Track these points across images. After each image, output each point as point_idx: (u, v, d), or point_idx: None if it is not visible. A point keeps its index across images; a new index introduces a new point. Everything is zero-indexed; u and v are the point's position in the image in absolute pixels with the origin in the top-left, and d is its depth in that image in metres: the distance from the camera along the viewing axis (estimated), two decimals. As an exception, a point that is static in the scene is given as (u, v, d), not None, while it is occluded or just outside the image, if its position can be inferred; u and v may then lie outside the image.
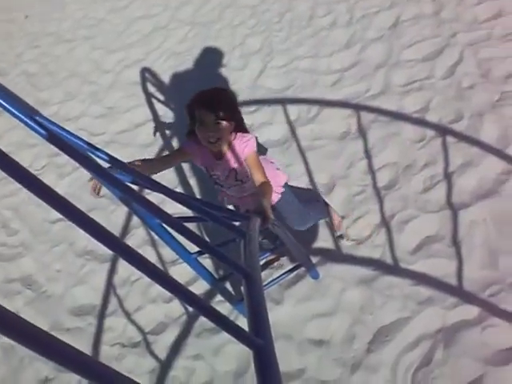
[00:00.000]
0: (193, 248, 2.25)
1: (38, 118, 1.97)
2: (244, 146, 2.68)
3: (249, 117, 4.44)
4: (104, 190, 2.20)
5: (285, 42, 5.03)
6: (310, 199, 3.54)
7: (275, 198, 3.04)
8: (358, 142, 3.94)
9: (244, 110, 4.54)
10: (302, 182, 3.86)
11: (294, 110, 4.36)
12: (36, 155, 5.23)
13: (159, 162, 2.75)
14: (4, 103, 1.84)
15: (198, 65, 5.30)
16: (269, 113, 4.46)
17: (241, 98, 4.68)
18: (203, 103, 2.50)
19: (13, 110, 1.87)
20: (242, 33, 5.39)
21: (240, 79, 4.88)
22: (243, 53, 5.16)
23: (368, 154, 3.84)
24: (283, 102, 4.44)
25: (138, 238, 4.09)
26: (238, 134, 2.68)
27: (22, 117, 1.89)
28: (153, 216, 2.30)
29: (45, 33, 7.12)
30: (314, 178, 3.85)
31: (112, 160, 2.19)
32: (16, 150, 5.32)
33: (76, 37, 6.69)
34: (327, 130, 4.11)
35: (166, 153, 4.40)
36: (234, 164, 2.76)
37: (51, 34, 7.03)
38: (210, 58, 5.28)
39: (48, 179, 4.79)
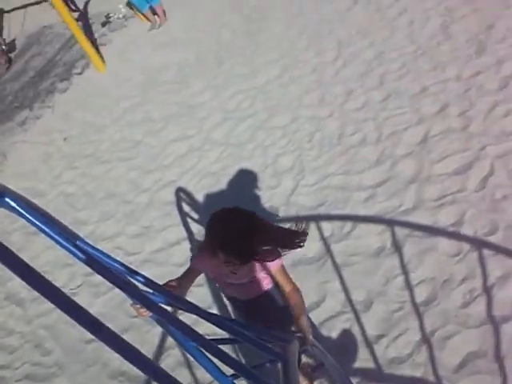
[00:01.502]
0: (229, 370, 2.31)
1: (79, 242, 2.13)
2: (270, 262, 2.62)
3: (283, 234, 4.58)
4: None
5: (316, 161, 5.26)
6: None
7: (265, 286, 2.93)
8: (394, 258, 4.02)
9: (278, 227, 4.68)
10: (338, 300, 3.91)
11: (327, 227, 4.49)
12: (72, 274, 5.40)
13: (187, 281, 2.73)
14: (46, 228, 2.01)
15: (232, 184, 5.54)
16: (303, 230, 4.56)
17: (274, 215, 4.86)
18: (228, 250, 2.41)
19: (54, 236, 2.04)
20: (274, 152, 5.66)
21: (273, 197, 5.08)
22: (276, 171, 5.40)
23: (404, 270, 3.90)
24: (316, 218, 4.59)
25: (173, 359, 4.12)
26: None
27: (64, 242, 2.05)
28: (187, 338, 2.38)
29: (83, 154, 7.53)
30: (350, 295, 3.90)
31: (148, 282, 2.32)
32: (52, 269, 5.51)
33: (113, 158, 7.06)
34: (362, 246, 4.21)
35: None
36: (252, 274, 2.74)
37: (89, 155, 7.43)
38: (244, 177, 5.53)
39: (83, 298, 4.93)
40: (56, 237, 2.02)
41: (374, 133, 5.25)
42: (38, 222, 1.98)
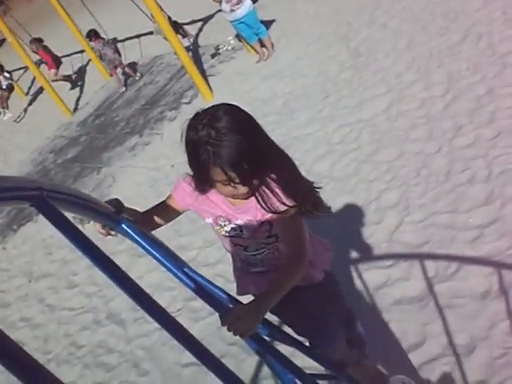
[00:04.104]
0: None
1: (186, 269, 2.32)
2: (283, 195, 2.13)
3: (385, 271, 4.59)
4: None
5: (422, 197, 5.23)
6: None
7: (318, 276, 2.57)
8: (500, 302, 3.93)
9: (380, 264, 4.70)
10: (439, 343, 3.87)
11: (431, 266, 4.44)
12: (173, 298, 5.64)
13: (159, 214, 2.52)
14: (156, 254, 2.22)
15: (334, 218, 5.57)
16: (406, 268, 4.57)
17: (377, 251, 4.89)
18: (216, 159, 1.92)
19: (164, 261, 2.24)
20: (379, 187, 5.69)
21: (376, 233, 5.09)
22: (379, 207, 5.41)
23: (511, 315, 3.81)
24: (421, 257, 4.56)
25: (267, 391, 4.21)
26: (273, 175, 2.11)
27: (172, 268, 2.25)
28: (286, 371, 2.49)
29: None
30: (452, 339, 3.85)
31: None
32: (154, 291, 5.74)
33: (216, 186, 7.30)
34: (467, 289, 4.14)
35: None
36: (266, 214, 2.20)
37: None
38: (346, 211, 5.58)
39: (182, 322, 5.08)
40: (166, 262, 2.23)
41: (484, 171, 5.16)
42: (149, 248, 2.20)
